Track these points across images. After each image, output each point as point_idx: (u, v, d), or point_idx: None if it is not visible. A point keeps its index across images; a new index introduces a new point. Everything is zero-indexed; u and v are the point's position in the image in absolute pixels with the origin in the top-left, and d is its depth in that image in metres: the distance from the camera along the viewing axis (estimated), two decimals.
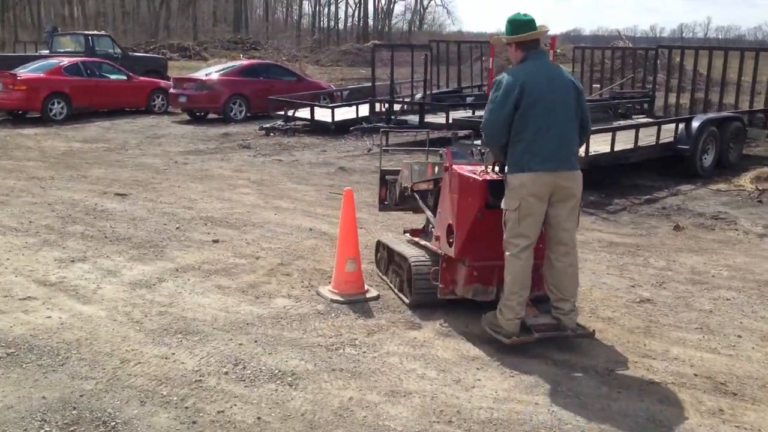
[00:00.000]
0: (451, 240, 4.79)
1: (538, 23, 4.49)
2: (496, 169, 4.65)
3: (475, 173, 4.70)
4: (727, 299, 5.42)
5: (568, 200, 4.39)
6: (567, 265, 4.46)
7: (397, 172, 6.10)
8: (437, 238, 5.05)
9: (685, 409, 3.72)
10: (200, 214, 7.77)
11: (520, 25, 4.43)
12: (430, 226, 5.49)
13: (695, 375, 4.11)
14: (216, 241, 6.70)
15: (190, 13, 60.03)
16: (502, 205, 4.43)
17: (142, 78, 18.57)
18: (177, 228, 7.14)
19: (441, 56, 17.69)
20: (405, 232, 6.04)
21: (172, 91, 17.18)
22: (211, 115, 17.15)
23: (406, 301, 5.22)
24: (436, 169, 5.36)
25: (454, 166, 4.82)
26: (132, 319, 4.77)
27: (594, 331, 4.63)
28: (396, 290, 5.47)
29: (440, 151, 5.60)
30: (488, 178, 4.59)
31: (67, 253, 6.19)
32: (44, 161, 11.09)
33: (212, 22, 62.33)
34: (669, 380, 4.04)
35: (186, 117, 17.29)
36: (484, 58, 18.70)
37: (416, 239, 5.69)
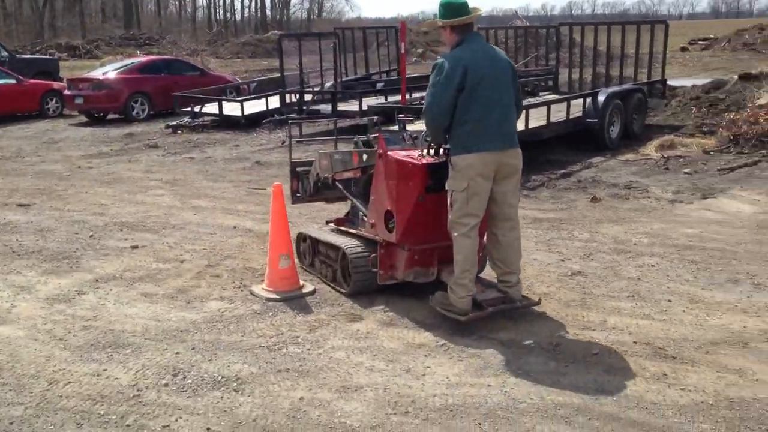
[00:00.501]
0: (390, 225, 4.78)
1: (471, 5, 4.49)
2: (431, 152, 4.65)
3: (412, 158, 4.67)
4: (652, 266, 5.59)
5: (512, 177, 4.48)
6: (513, 239, 4.58)
7: (308, 164, 6.06)
8: (373, 225, 5.01)
9: (631, 376, 3.80)
10: (114, 219, 7.40)
11: (456, 8, 4.43)
12: (361, 214, 5.43)
13: (635, 342, 4.20)
14: (135, 247, 6.39)
15: (76, 11, 57.35)
16: (448, 187, 4.44)
17: (32, 81, 17.58)
18: (90, 236, 6.77)
19: (347, 43, 17.55)
20: (328, 222, 5.96)
21: (66, 92, 16.35)
22: (111, 116, 16.42)
23: (344, 290, 5.16)
24: (365, 157, 5.29)
25: (389, 153, 4.77)
26: (54, 337, 4.47)
27: (540, 299, 4.77)
28: (328, 281, 5.38)
29: (354, 139, 5.63)
30: (427, 161, 4.59)
31: None
32: None
33: (101, 19, 59.85)
34: (611, 350, 4.12)
35: (84, 119, 16.49)
36: (386, 43, 18.69)
37: (343, 228, 5.61)
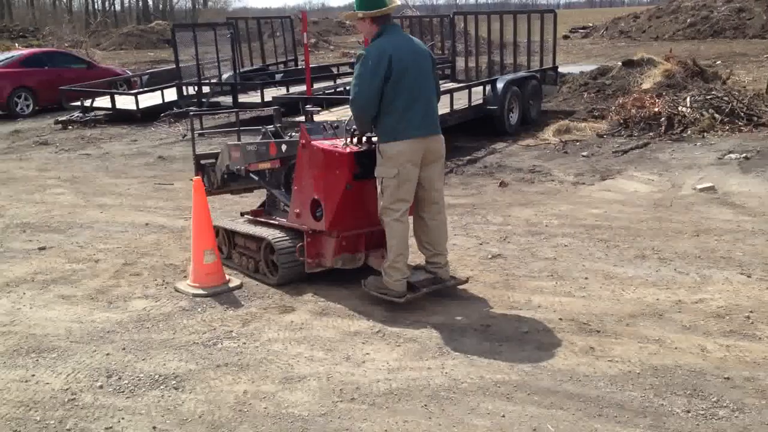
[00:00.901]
0: (318, 214, 4.85)
1: None
2: (354, 141, 4.76)
3: (337, 147, 4.73)
4: (565, 246, 5.87)
5: (437, 162, 4.68)
6: (441, 222, 4.80)
7: (214, 156, 6.06)
8: (298, 215, 5.05)
9: (561, 351, 4.00)
10: (14, 221, 7.03)
11: (375, 0, 4.53)
12: (282, 204, 5.43)
13: (560, 319, 4.42)
14: (43, 248, 6.11)
15: None
16: (377, 174, 4.57)
17: None
18: None
19: (241, 34, 17.24)
20: (242, 214, 5.94)
21: None
22: None
23: (269, 281, 5.17)
24: (284, 147, 5.29)
25: (313, 142, 4.80)
26: None
27: (468, 278, 5.07)
28: (250, 273, 5.38)
29: (263, 129, 5.71)
30: (353, 150, 4.68)
31: None
32: None
33: None
34: (540, 327, 4.31)
35: None
36: (278, 34, 18.52)
37: (261, 219, 5.60)
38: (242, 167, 5.60)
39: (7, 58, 16.30)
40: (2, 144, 12.07)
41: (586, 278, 5.10)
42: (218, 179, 5.97)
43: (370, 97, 4.43)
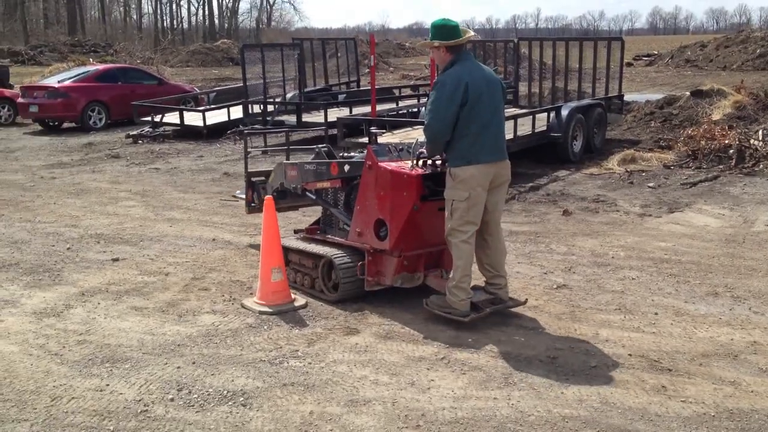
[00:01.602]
0: (382, 234, 4.97)
1: (461, 28, 4.80)
2: (419, 163, 4.91)
3: (405, 169, 4.88)
4: (633, 279, 5.77)
5: (503, 186, 4.90)
6: (502, 245, 5.00)
7: (264, 174, 6.33)
8: (360, 234, 5.17)
9: (631, 389, 3.91)
10: (88, 231, 7.27)
11: (451, 30, 4.73)
12: (342, 223, 5.54)
13: (630, 355, 4.33)
14: (116, 260, 6.29)
15: (17, 16, 55.77)
16: (448, 197, 4.70)
17: None
18: (68, 248, 6.63)
19: (306, 54, 17.56)
20: (296, 231, 6.05)
21: (20, 100, 15.94)
22: (66, 125, 16.07)
23: (327, 297, 5.28)
24: (347, 168, 5.38)
25: (381, 164, 4.95)
26: (49, 352, 4.38)
27: (526, 299, 5.15)
28: (305, 289, 5.48)
29: (316, 149, 5.85)
30: (420, 172, 4.85)
31: None
32: None
33: (44, 25, 58.34)
34: (608, 362, 4.24)
35: (38, 127, 16.10)
36: (339, 54, 18.77)
37: (317, 237, 5.69)
38: (299, 186, 5.72)
39: (82, 73, 16.96)
40: (76, 156, 12.50)
41: (656, 314, 4.99)
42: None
43: (445, 122, 4.58)
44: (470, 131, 4.59)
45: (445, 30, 4.73)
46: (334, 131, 11.33)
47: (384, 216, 4.95)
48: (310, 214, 6.84)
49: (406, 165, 4.98)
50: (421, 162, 4.91)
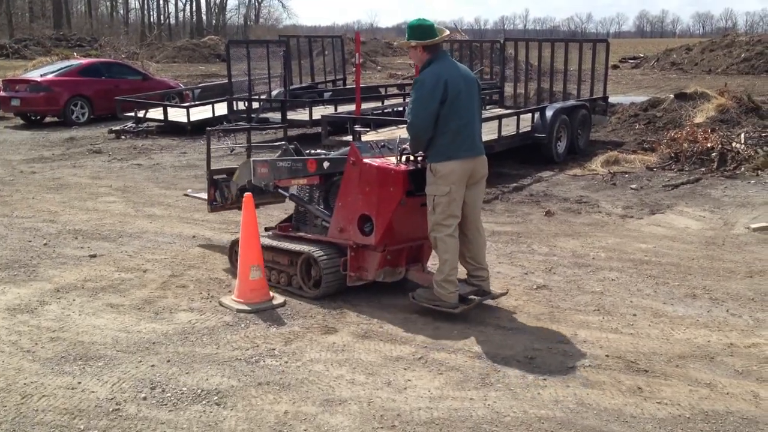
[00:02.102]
0: (367, 229, 5.02)
1: (437, 27, 4.94)
2: (402, 159, 4.97)
3: (390, 165, 4.93)
4: (612, 280, 5.77)
5: (481, 181, 5.00)
6: (483, 238, 5.10)
7: (227, 171, 6.32)
8: (341, 230, 5.20)
9: (608, 390, 3.91)
10: (66, 227, 7.18)
11: (427, 29, 4.85)
12: (320, 219, 5.53)
13: (607, 356, 4.33)
14: (93, 256, 6.22)
15: (2, 9, 55.22)
16: (429, 192, 4.80)
17: None
18: (45, 244, 6.55)
19: (292, 51, 17.47)
20: (267, 229, 6.00)
21: (2, 94, 15.77)
22: (48, 119, 15.91)
23: (309, 294, 5.28)
24: (326, 164, 5.39)
25: (366, 160, 4.99)
26: (21, 349, 4.32)
27: (508, 290, 5.37)
28: (281, 287, 5.44)
29: (284, 146, 5.87)
30: (406, 168, 4.92)
31: None
32: None
33: (29, 18, 57.78)
34: (585, 363, 4.23)
35: (20, 122, 15.94)
36: (326, 52, 18.71)
37: (290, 234, 5.67)
38: (270, 183, 5.70)
39: (65, 67, 16.79)
40: (57, 150, 12.38)
41: (634, 315, 5.00)
42: (233, 194, 6.13)
43: (427, 119, 4.68)
44: (450, 128, 4.69)
45: (421, 30, 4.84)
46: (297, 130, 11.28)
47: (370, 211, 5.00)
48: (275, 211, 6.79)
49: (389, 161, 5.03)
50: (404, 158, 4.98)
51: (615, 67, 33.38)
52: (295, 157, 5.66)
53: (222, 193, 6.24)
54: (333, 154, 5.64)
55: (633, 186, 9.35)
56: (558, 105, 11.63)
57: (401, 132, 7.77)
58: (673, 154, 10.50)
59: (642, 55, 39.93)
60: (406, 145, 5.00)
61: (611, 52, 15.10)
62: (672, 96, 14.43)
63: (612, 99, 15.53)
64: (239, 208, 6.26)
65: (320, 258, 5.18)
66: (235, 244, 5.77)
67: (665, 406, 3.71)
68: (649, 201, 8.56)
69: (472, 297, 4.98)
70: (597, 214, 8.09)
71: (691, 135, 10.73)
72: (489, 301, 5.17)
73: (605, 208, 8.34)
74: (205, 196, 7.23)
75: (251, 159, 5.94)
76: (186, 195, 7.52)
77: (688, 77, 27.29)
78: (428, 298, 4.94)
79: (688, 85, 16.67)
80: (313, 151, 5.80)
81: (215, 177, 6.30)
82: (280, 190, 5.77)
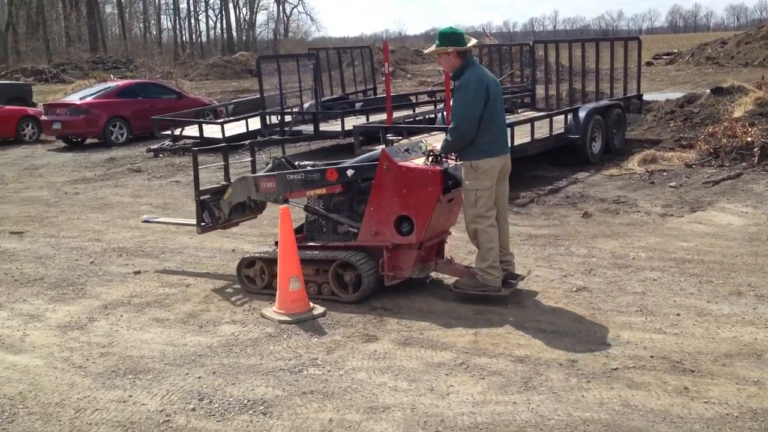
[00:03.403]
0: (404, 229, 5.27)
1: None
2: (429, 160, 5.30)
3: (425, 166, 5.21)
4: (654, 280, 5.71)
5: (507, 175, 5.41)
6: (507, 227, 5.54)
7: (215, 191, 6.24)
8: (376, 233, 5.36)
9: (653, 390, 3.88)
10: (111, 245, 7.36)
11: (459, 36, 5.22)
12: (346, 226, 5.60)
13: (651, 357, 4.29)
14: (138, 272, 6.36)
15: (40, 35, 56.73)
16: (471, 187, 5.14)
17: (7, 107, 17.39)
18: (91, 262, 6.72)
19: (322, 63, 17.63)
20: (277, 243, 5.91)
21: (44, 118, 16.19)
22: (89, 140, 16.29)
23: (348, 298, 5.40)
24: (350, 172, 5.49)
25: (401, 163, 5.22)
26: (74, 365, 4.45)
27: (529, 271, 5.81)
28: (310, 296, 5.43)
29: (276, 161, 5.96)
30: (440, 168, 5.19)
31: None
32: None
33: (66, 43, 59.18)
34: (629, 364, 4.20)
35: (62, 144, 16.34)
36: (355, 63, 18.83)
37: (309, 244, 5.67)
38: (280, 196, 5.75)
39: (103, 89, 17.16)
40: (99, 171, 12.67)
41: (678, 315, 4.94)
42: (225, 214, 6.15)
43: (473, 121, 5.05)
44: (491, 128, 5.10)
45: (455, 37, 5.18)
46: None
47: (408, 212, 5.23)
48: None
49: (419, 163, 5.28)
50: (430, 159, 5.28)
51: (649, 64, 33.00)
52: (312, 168, 5.73)
53: (212, 213, 6.17)
54: (353, 161, 5.74)
55: (672, 184, 9.24)
56: (591, 105, 11.55)
57: (434, 139, 7.82)
58: (711, 150, 10.35)
59: (676, 51, 39.41)
60: (433, 147, 5.35)
61: (644, 48, 14.93)
62: (708, 91, 14.24)
63: (647, 96, 15.37)
64: (228, 227, 6.37)
65: (359, 262, 5.32)
66: (242, 263, 5.82)
67: (713, 406, 3.67)
68: (689, 198, 8.45)
69: (510, 281, 5.37)
70: (636, 213, 8.02)
71: (730, 130, 10.57)
72: (528, 304, 5.23)
73: (644, 207, 8.26)
74: (165, 219, 7.28)
75: (251, 175, 6.01)
76: (145, 222, 7.29)
77: (724, 71, 26.83)
78: (473, 285, 5.29)
79: (725, 79, 16.42)
80: (301, 162, 6.02)
81: (202, 198, 6.15)
82: (291, 202, 5.77)
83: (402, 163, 5.23)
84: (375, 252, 5.41)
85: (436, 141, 6.07)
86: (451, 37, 5.17)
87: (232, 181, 6.26)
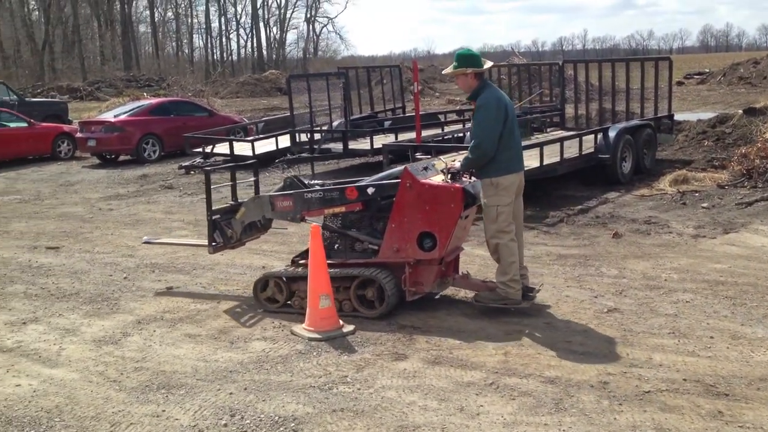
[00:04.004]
0: (426, 245, 5.37)
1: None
2: (449, 178, 5.43)
3: (446, 184, 5.34)
4: (687, 302, 5.66)
5: (521, 192, 5.59)
6: (523, 240, 5.71)
7: (226, 211, 6.24)
8: (398, 250, 5.44)
9: (687, 414, 3.84)
10: (144, 261, 7.47)
11: (477, 58, 5.41)
12: (366, 243, 5.67)
13: (684, 380, 4.25)
14: (170, 288, 6.46)
15: (75, 53, 57.94)
16: (492, 203, 5.32)
17: (44, 124, 17.77)
18: (125, 278, 6.83)
19: (351, 82, 17.77)
20: (294, 261, 6.01)
21: (79, 135, 16.51)
22: (122, 157, 16.56)
23: (371, 314, 5.46)
24: (370, 190, 5.56)
25: (423, 181, 5.33)
26: (108, 379, 4.52)
27: (542, 284, 5.95)
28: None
29: (288, 180, 6.01)
30: (460, 185, 5.33)
31: (15, 315, 5.82)
32: None
33: (100, 61, 60.34)
34: (662, 387, 4.16)
35: (96, 161, 16.63)
36: (384, 81, 18.95)
37: (331, 261, 5.63)
38: (297, 215, 5.80)
39: (137, 107, 17.46)
40: (132, 187, 12.87)
41: (712, 337, 4.89)
42: (237, 233, 6.15)
43: (494, 140, 5.23)
44: (511, 144, 5.31)
45: (473, 59, 5.38)
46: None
47: (431, 228, 5.34)
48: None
49: (438, 181, 5.42)
50: (450, 176, 5.42)
51: (680, 83, 32.74)
52: (331, 187, 5.78)
53: (223, 232, 6.14)
54: (371, 179, 5.80)
55: (704, 205, 9.15)
56: (621, 125, 11.50)
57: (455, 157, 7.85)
58: (744, 171, 10.23)
59: (707, 70, 39.08)
60: (452, 164, 5.46)
61: (675, 68, 14.84)
62: (741, 111, 14.10)
63: (678, 116, 15.27)
64: (237, 247, 6.34)
65: (384, 278, 5.41)
66: (258, 282, 5.85)
67: (747, 430, 3.63)
68: (722, 220, 8.36)
69: (528, 293, 5.51)
70: (667, 234, 7.95)
71: (764, 150, 10.45)
72: (559, 325, 5.23)
73: (676, 228, 8.19)
74: (166, 240, 7.29)
75: (266, 194, 6.05)
76: (146, 243, 7.25)
77: (757, 91, 26.56)
78: (494, 298, 5.44)
79: (758, 99, 16.30)
80: (311, 182, 6.11)
81: (214, 218, 6.15)
82: (308, 220, 5.82)
83: (424, 181, 5.35)
84: (394, 268, 5.51)
85: (446, 158, 6.13)
86: (469, 59, 5.36)
87: (238, 200, 6.32)
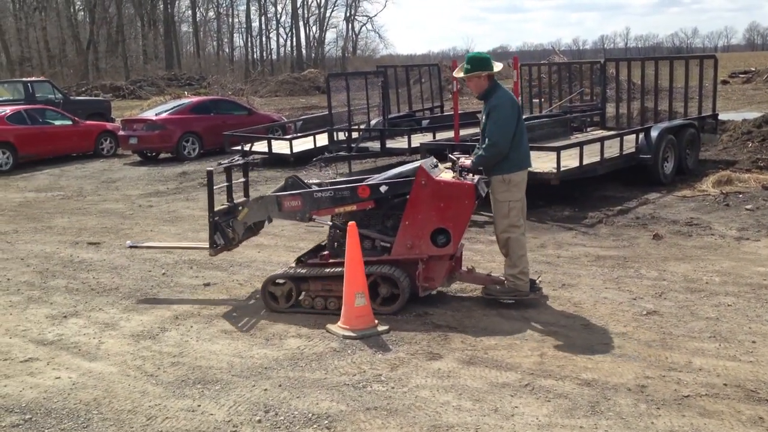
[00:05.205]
0: (440, 241, 5.47)
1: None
2: (459, 175, 5.53)
3: (460, 180, 5.48)
4: (729, 305, 5.54)
5: (525, 188, 5.66)
6: (525, 234, 5.75)
7: (225, 212, 6.14)
8: (411, 247, 5.49)
9: (726, 420, 3.76)
10: (182, 257, 7.57)
11: (488, 60, 5.59)
12: (376, 241, 5.67)
13: (725, 384, 4.16)
14: (207, 285, 6.53)
15: (119, 53, 58.99)
16: (503, 199, 5.50)
17: (88, 122, 18.11)
18: (163, 274, 6.94)
19: (389, 81, 17.75)
20: (299, 260, 5.95)
21: (121, 133, 16.78)
22: (162, 155, 16.82)
23: (385, 311, 5.48)
24: (383, 188, 5.56)
25: (437, 178, 5.47)
26: (146, 373, 4.59)
27: (540, 275, 6.14)
28: (334, 311, 5.46)
29: (290, 180, 5.94)
30: (471, 182, 5.45)
31: (57, 308, 5.94)
32: (1, 214, 10.65)
33: (143, 60, 61.36)
34: (702, 392, 4.08)
35: (137, 158, 16.91)
36: (422, 80, 18.89)
37: (336, 261, 5.63)
38: (306, 215, 5.76)
39: (178, 105, 17.70)
40: (171, 185, 13.06)
41: (754, 342, 4.77)
42: (239, 234, 6.07)
43: (509, 139, 5.42)
44: (521, 142, 5.51)
45: (486, 62, 5.57)
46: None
47: (446, 225, 5.45)
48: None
49: (449, 178, 5.53)
50: (459, 174, 5.52)
51: (724, 82, 32.03)
52: (342, 186, 5.76)
53: (224, 234, 6.01)
54: (381, 176, 5.80)
55: (748, 206, 8.94)
56: (664, 125, 11.28)
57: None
58: None
59: (753, 69, 38.16)
60: (462, 162, 5.57)
61: (720, 66, 14.53)
62: None
63: (722, 116, 14.93)
64: (231, 249, 6.22)
65: (399, 275, 5.48)
66: (268, 282, 5.78)
67: None
68: (766, 222, 8.16)
69: (534, 286, 5.70)
70: (709, 236, 7.78)
71: None
72: (596, 327, 5.16)
73: (718, 230, 8.02)
74: (151, 244, 7.25)
75: (272, 194, 5.97)
76: (131, 247, 6.82)
77: None
78: (503, 291, 5.65)
79: None
80: (310, 182, 6.10)
81: (215, 219, 6.03)
82: (317, 220, 5.82)
83: (439, 179, 5.48)
84: (407, 265, 5.58)
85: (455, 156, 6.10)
86: (482, 62, 5.56)
87: (234, 202, 6.23)
